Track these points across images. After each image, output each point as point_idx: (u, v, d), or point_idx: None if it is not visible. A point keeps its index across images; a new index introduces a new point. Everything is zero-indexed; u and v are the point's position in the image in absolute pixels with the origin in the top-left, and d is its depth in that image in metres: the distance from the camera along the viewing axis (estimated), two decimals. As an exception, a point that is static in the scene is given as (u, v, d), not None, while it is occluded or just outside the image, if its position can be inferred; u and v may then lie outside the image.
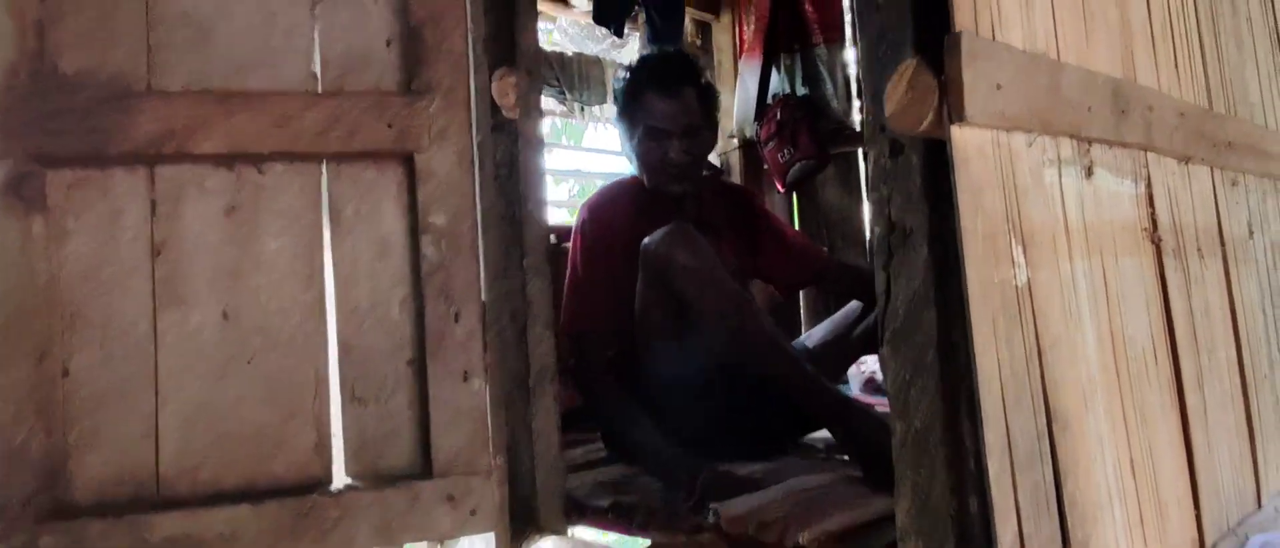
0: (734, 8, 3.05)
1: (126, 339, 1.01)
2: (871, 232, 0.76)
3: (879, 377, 2.13)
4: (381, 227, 1.10)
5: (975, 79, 0.63)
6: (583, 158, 3.36)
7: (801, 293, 2.80)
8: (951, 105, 0.63)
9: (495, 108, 1.22)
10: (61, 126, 0.98)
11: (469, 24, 1.16)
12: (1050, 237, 0.74)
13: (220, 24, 1.07)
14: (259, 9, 1.09)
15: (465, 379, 1.10)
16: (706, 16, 3.13)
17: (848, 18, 2.83)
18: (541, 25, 3.18)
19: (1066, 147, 0.77)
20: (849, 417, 1.36)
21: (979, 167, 0.66)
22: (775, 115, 2.79)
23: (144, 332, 1.02)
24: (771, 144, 2.79)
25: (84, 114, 0.99)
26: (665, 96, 1.60)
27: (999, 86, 0.66)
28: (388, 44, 1.13)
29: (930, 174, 0.71)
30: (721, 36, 3.09)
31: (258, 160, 1.07)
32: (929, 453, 0.72)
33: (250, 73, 1.07)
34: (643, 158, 1.63)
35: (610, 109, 3.20)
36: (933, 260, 0.71)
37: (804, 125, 2.71)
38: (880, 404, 2.08)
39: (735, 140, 3.01)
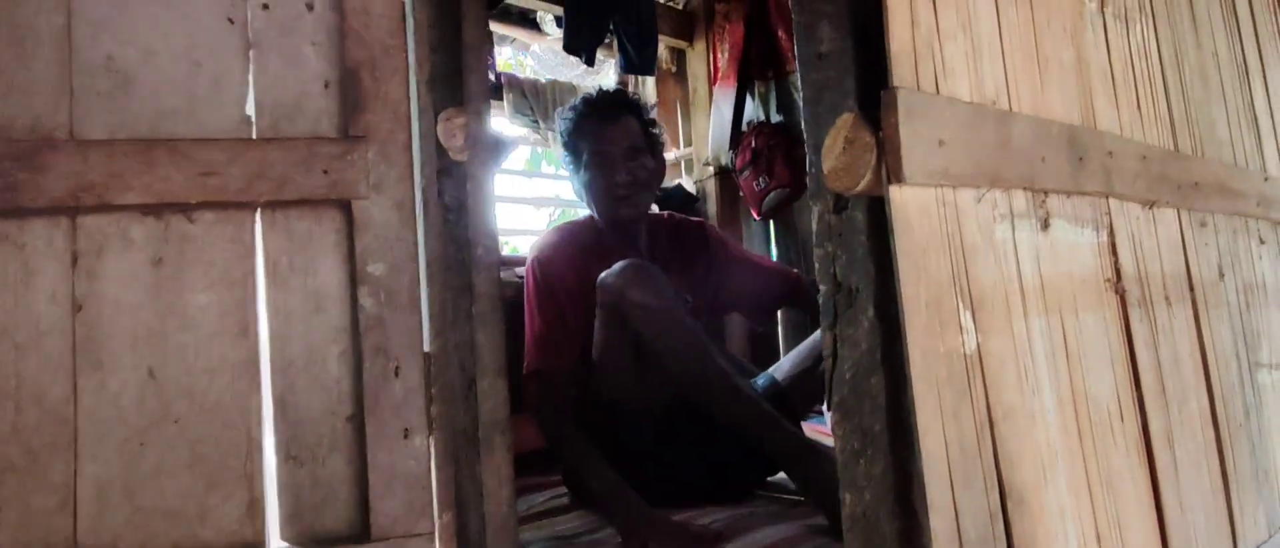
0: (708, 35, 3.04)
1: (42, 404, 0.95)
2: (820, 290, 0.71)
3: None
4: (318, 278, 1.05)
5: (914, 136, 0.59)
6: (563, 185, 3.32)
7: (780, 320, 2.77)
8: (889, 165, 0.59)
9: (443, 150, 1.17)
10: (-28, 180, 0.93)
11: (411, 66, 1.12)
12: (1002, 297, 0.70)
13: (144, 71, 1.02)
14: (185, 56, 1.04)
15: (406, 437, 1.05)
16: (680, 44, 3.11)
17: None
18: (513, 52, 3.14)
19: (1020, 199, 0.73)
20: (809, 463, 1.32)
21: (922, 227, 0.62)
22: (750, 143, 2.77)
23: (61, 396, 0.97)
24: (747, 172, 2.76)
25: (0, 165, 0.94)
26: (606, 123, 1.63)
27: (941, 143, 0.62)
28: (325, 87, 1.09)
29: (876, 232, 0.67)
30: (696, 64, 3.07)
31: (186, 209, 1.02)
32: (879, 531, 0.67)
33: (179, 120, 1.03)
34: (589, 187, 1.64)
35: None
36: (880, 323, 0.67)
37: (779, 153, 2.69)
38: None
39: (711, 168, 2.98)
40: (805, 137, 0.73)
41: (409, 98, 1.10)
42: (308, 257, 1.05)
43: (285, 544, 1.03)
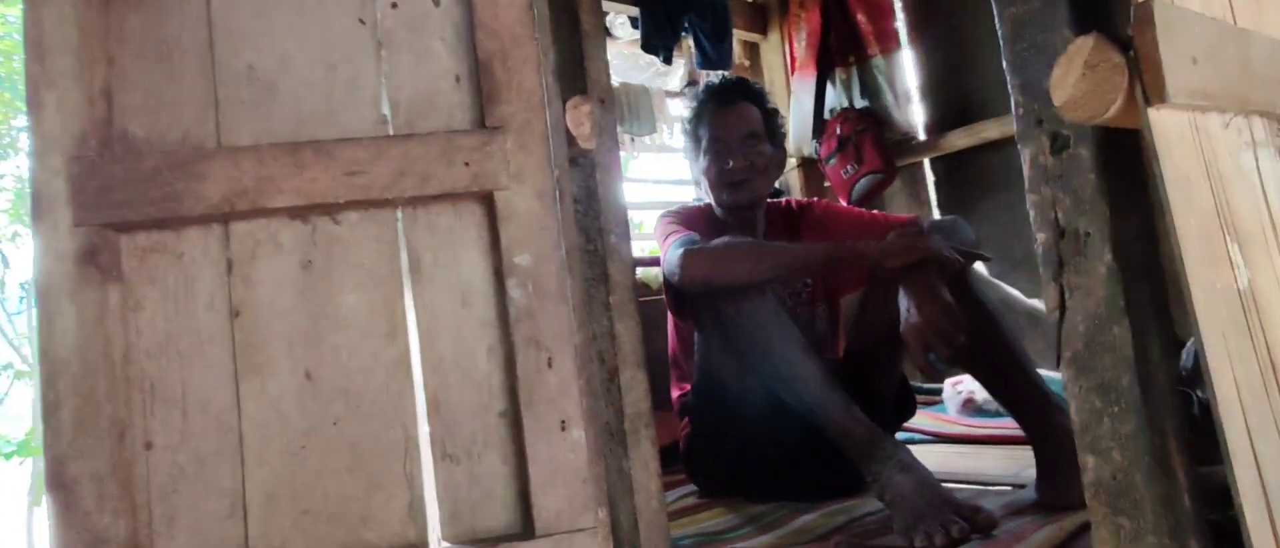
0: (783, 26, 2.99)
1: (207, 411, 0.96)
2: (1037, 241, 0.66)
3: (979, 396, 1.98)
4: (463, 273, 1.04)
5: (1173, 53, 0.54)
6: (636, 189, 3.31)
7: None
8: (1147, 85, 0.54)
9: (571, 140, 1.15)
10: (134, 192, 0.94)
11: (540, 55, 1.10)
12: (1259, 230, 0.63)
13: (284, 78, 1.03)
14: (321, 59, 1.05)
15: (563, 429, 1.02)
16: (755, 37, 3.07)
17: (905, 25, 2.74)
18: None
19: (1259, 127, 0.67)
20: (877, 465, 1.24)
21: (1182, 154, 0.57)
22: (835, 131, 2.70)
23: (225, 402, 0.97)
24: (834, 160, 2.70)
25: (155, 176, 0.95)
26: (724, 109, 1.62)
27: (1195, 61, 0.57)
28: (457, 81, 1.08)
29: (1107, 168, 0.61)
30: (771, 56, 3.03)
31: (332, 210, 1.02)
32: (1133, 496, 0.61)
33: (318, 123, 1.03)
34: (706, 173, 1.63)
35: (661, 136, 3.16)
36: (1119, 268, 0.61)
37: (867, 138, 2.62)
38: (980, 427, 1.94)
39: (793, 159, 2.92)
40: (1009, 77, 0.68)
41: (542, 86, 1.08)
42: (452, 251, 1.04)
43: (448, 545, 1.01)
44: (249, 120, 1.03)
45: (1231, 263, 0.56)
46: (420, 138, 1.03)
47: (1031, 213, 0.67)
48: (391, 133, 1.04)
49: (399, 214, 1.04)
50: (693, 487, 1.66)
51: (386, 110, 1.06)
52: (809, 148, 2.82)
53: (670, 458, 1.77)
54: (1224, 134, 0.61)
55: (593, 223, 1.18)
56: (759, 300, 1.32)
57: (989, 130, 2.54)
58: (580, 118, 1.16)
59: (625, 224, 1.19)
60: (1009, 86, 0.69)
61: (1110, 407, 0.62)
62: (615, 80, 3.10)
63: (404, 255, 1.04)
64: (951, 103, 2.69)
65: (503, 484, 1.02)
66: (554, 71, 1.13)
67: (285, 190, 0.99)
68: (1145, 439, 0.60)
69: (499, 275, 1.03)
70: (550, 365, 1.02)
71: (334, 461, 0.99)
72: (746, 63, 3.08)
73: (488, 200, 1.04)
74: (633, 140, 3.06)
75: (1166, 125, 0.56)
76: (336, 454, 0.99)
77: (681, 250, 1.36)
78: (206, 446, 0.96)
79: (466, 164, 1.03)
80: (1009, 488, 1.48)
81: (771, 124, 1.68)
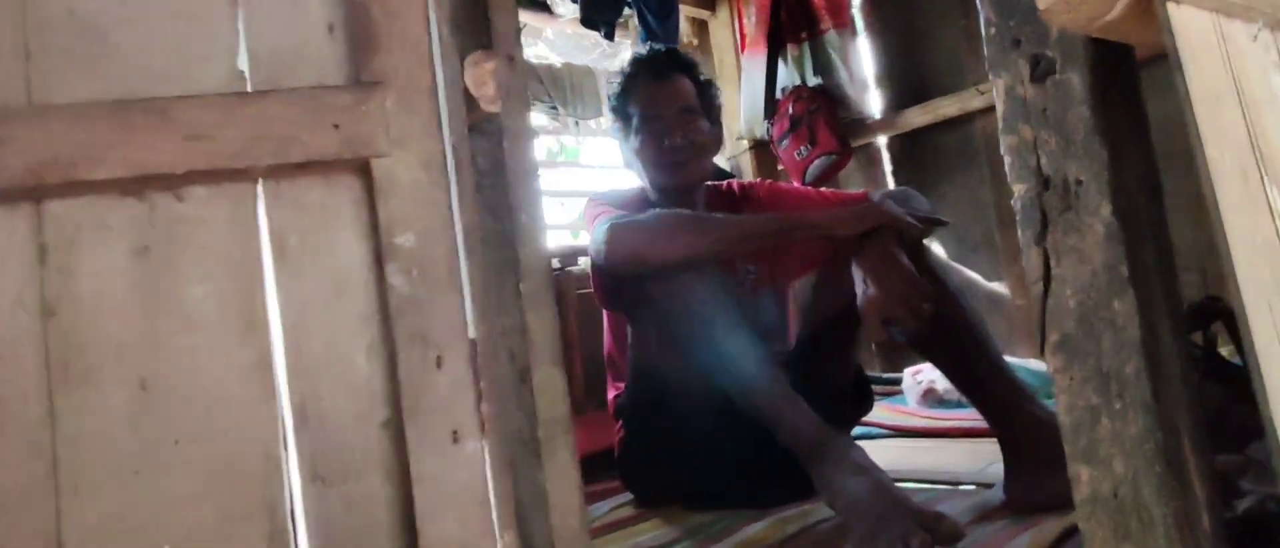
0: (731, 2, 2.85)
1: (10, 432, 0.78)
2: (1014, 195, 0.52)
3: (940, 386, 1.87)
4: (337, 258, 0.87)
5: (1192, -68, 0.40)
6: (583, 176, 3.14)
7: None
8: (1162, -28, 0.40)
9: (471, 103, 0.99)
10: (-95, 160, 0.76)
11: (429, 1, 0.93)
12: (1295, 172, 0.50)
13: (115, 25, 0.85)
14: (164, 4, 0.87)
15: (456, 441, 0.86)
16: (703, 14, 2.92)
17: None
18: (526, 39, 2.98)
19: (1287, 45, 0.54)
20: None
21: (1209, 67, 0.43)
22: (788, 110, 2.57)
23: (36, 419, 0.79)
24: (786, 142, 2.57)
25: (-63, 142, 0.77)
26: (657, 83, 1.48)
27: (1215, -53, 0.43)
28: (330, 30, 0.91)
29: (1106, 98, 0.48)
30: (720, 33, 2.88)
31: (174, 184, 0.84)
32: (1143, 515, 0.47)
33: (158, 80, 0.85)
34: (640, 153, 1.48)
35: (607, 121, 3.01)
36: (1120, 226, 0.47)
37: (821, 118, 2.50)
38: (942, 418, 1.82)
39: (744, 142, 2.79)
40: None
41: (432, 37, 0.92)
42: (323, 232, 0.87)
43: (319, 583, 0.84)
44: (72, 76, 0.84)
45: (1270, 209, 0.43)
46: (280, 95, 0.86)
47: (1007, 159, 0.53)
48: (249, 91, 0.87)
49: (259, 189, 0.87)
50: (629, 495, 1.51)
51: (245, 65, 0.89)
52: (760, 130, 2.69)
53: (608, 465, 1.63)
54: (1252, 48, 0.47)
55: (500, 199, 1.02)
56: (696, 282, 1.17)
57: (946, 107, 2.44)
58: (482, 77, 0.99)
59: (539, 201, 1.03)
60: (978, 3, 0.54)
61: (1111, 403, 0.49)
62: (557, 60, 2.93)
63: (265, 238, 0.87)
64: (908, 79, 2.58)
65: (386, 509, 0.86)
66: (449, 21, 0.97)
67: (111, 160, 0.81)
68: (1155, 443, 0.47)
69: (380, 260, 0.87)
70: (439, 366, 0.86)
71: (176, 487, 0.81)
72: (694, 41, 2.94)
73: (364, 170, 0.87)
74: (577, 124, 2.91)
75: (1188, 28, 0.42)
76: (179, 479, 0.81)
77: (608, 224, 1.20)
78: (10, 475, 0.78)
79: (337, 127, 0.86)
80: (973, 487, 1.35)
81: (707, 98, 1.55)
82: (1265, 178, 0.43)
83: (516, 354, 1.00)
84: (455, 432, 0.85)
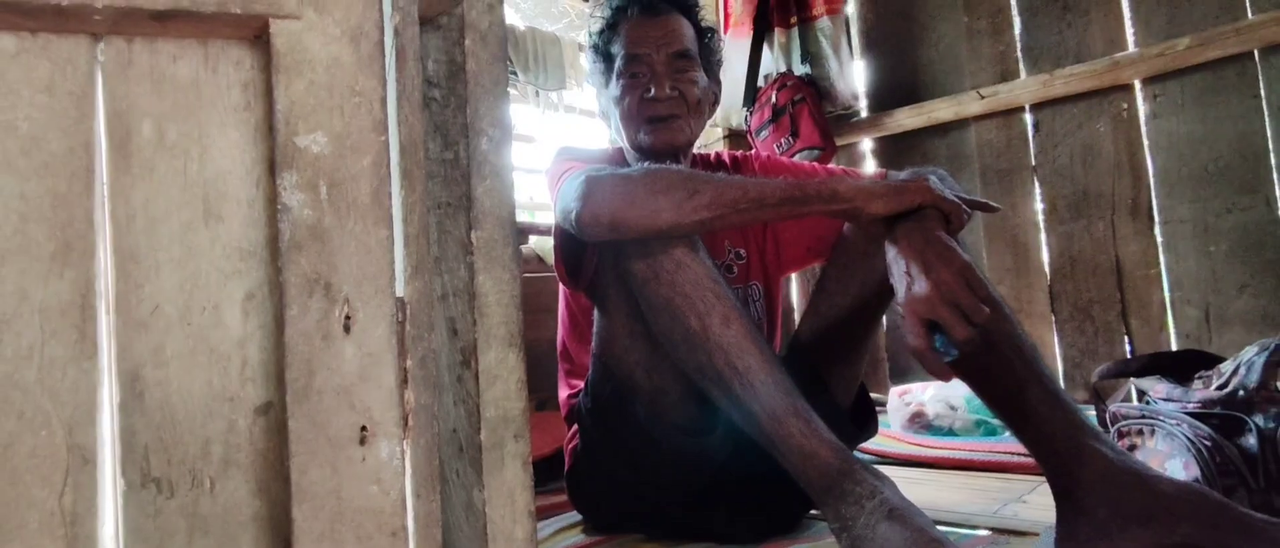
0: (717, -22, 2.63)
1: None
2: None
3: (929, 410, 1.67)
4: (209, 160, 0.60)
5: None
6: (539, 153, 2.88)
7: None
8: None
9: (424, -17, 0.73)
10: None
11: None
12: None
13: None
14: None
15: (363, 441, 0.60)
16: (685, -12, 2.69)
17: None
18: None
19: None
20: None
21: None
22: (770, 99, 2.36)
23: None
24: (766, 133, 2.36)
25: None
26: (646, 19, 1.25)
27: None
28: None
29: None
30: (703, 12, 2.66)
31: (-39, 30, 0.55)
32: None
33: None
34: (618, 104, 1.24)
35: (571, 95, 2.75)
36: None
37: (805, 110, 2.29)
38: (932, 447, 1.62)
39: (720, 131, 2.57)
40: None
41: None
42: (190, 121, 0.60)
43: (138, 638, 0.57)
44: None
45: None
46: (141, -88, 0.58)
47: None
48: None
49: (100, 49, 0.59)
50: (576, 516, 1.25)
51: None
52: (738, 118, 2.48)
53: (553, 473, 1.38)
54: None
55: (454, 118, 0.76)
56: (690, 258, 0.93)
57: (941, 110, 2.26)
58: (442, -53, 0.73)
59: (506, 126, 0.77)
60: None
61: None
62: (521, 23, 2.67)
63: (101, 122, 0.59)
64: (900, 76, 2.40)
65: (251, 533, 0.59)
66: None
67: None
68: None
69: (272, 169, 0.59)
70: (347, 330, 0.59)
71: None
72: (674, 18, 2.71)
73: (261, 36, 0.60)
74: (538, 94, 2.65)
75: None
76: (-78, 471, 0.53)
77: (582, 178, 0.95)
78: None
79: (222, -33, 0.59)
80: (988, 533, 1.15)
81: (707, 46, 1.31)
82: None
83: (460, 327, 0.74)
84: (363, 428, 0.59)
